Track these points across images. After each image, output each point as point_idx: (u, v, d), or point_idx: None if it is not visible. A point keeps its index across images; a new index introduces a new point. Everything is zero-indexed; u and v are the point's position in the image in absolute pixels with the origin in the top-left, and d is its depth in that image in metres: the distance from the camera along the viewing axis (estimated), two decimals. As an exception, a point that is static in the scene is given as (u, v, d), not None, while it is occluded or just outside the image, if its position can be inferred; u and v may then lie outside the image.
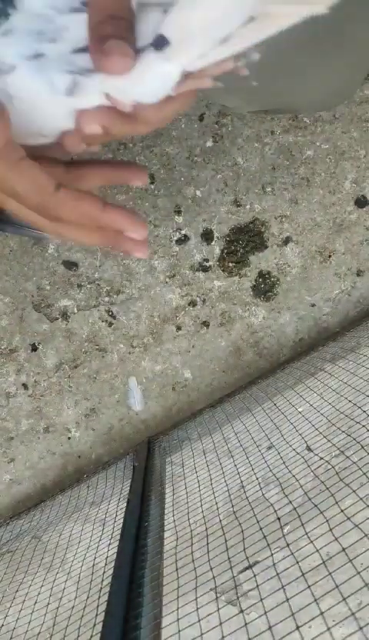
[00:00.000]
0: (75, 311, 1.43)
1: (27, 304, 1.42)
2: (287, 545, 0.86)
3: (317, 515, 0.87)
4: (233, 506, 1.00)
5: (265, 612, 0.74)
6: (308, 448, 1.02)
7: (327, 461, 0.96)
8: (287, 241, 1.40)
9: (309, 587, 0.75)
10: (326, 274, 1.42)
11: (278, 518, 0.90)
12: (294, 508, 0.91)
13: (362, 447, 0.92)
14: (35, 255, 1.39)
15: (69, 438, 1.48)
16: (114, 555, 0.95)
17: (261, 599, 0.77)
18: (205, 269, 1.41)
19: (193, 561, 0.91)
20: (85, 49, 0.31)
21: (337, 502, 0.86)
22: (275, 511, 0.92)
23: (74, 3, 0.30)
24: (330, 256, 1.41)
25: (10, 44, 0.30)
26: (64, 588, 1.03)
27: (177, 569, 0.91)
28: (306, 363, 1.33)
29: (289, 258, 1.41)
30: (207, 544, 0.93)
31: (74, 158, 0.42)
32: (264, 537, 0.88)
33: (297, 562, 0.81)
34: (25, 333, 1.44)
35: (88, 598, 0.96)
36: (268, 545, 0.87)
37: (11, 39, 0.29)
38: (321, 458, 0.97)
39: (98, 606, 0.89)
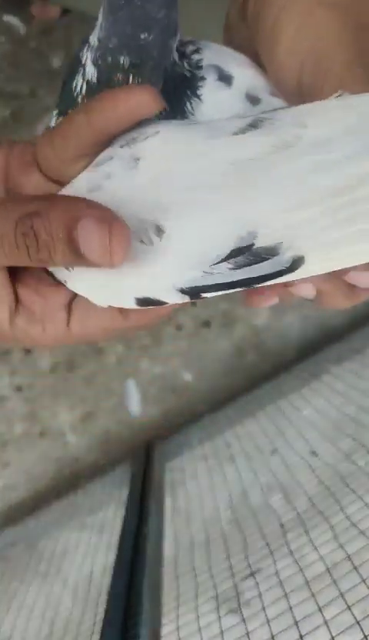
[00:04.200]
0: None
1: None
2: (291, 553, 0.85)
3: (321, 522, 0.86)
4: (235, 513, 0.99)
5: (267, 621, 0.74)
6: (313, 453, 1.02)
7: (332, 466, 0.95)
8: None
9: (312, 595, 0.74)
10: (327, 275, 1.41)
11: (281, 525, 0.90)
12: (298, 515, 0.90)
13: (368, 451, 0.91)
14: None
15: (65, 443, 1.46)
16: (112, 563, 0.95)
17: (264, 608, 0.77)
18: (205, 270, 1.40)
19: (193, 568, 0.90)
20: None
21: (342, 508, 0.85)
22: (278, 517, 0.91)
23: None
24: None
25: None
26: (61, 597, 1.03)
27: (176, 577, 0.90)
28: (311, 364, 1.33)
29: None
30: (208, 551, 0.93)
31: None
32: (267, 544, 0.87)
33: (301, 570, 0.80)
34: (21, 335, 1.42)
35: (85, 607, 0.95)
36: (271, 552, 0.86)
37: None
38: (326, 463, 0.96)
39: (95, 615, 0.89)
